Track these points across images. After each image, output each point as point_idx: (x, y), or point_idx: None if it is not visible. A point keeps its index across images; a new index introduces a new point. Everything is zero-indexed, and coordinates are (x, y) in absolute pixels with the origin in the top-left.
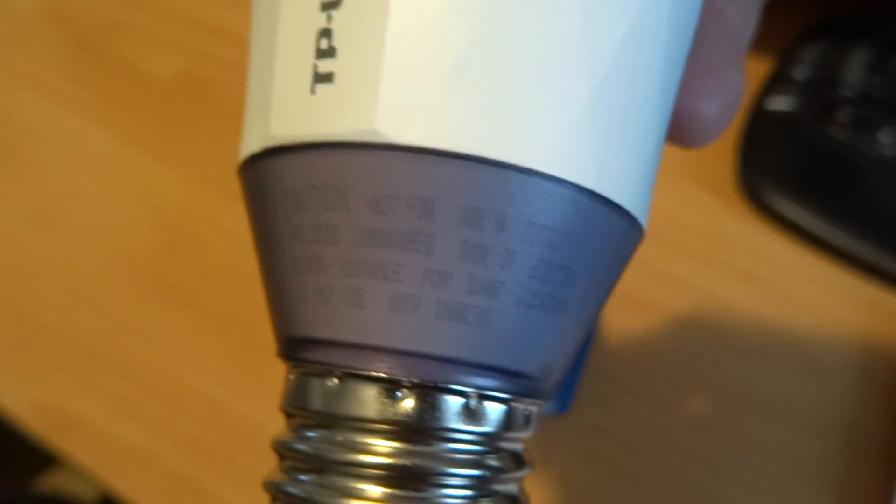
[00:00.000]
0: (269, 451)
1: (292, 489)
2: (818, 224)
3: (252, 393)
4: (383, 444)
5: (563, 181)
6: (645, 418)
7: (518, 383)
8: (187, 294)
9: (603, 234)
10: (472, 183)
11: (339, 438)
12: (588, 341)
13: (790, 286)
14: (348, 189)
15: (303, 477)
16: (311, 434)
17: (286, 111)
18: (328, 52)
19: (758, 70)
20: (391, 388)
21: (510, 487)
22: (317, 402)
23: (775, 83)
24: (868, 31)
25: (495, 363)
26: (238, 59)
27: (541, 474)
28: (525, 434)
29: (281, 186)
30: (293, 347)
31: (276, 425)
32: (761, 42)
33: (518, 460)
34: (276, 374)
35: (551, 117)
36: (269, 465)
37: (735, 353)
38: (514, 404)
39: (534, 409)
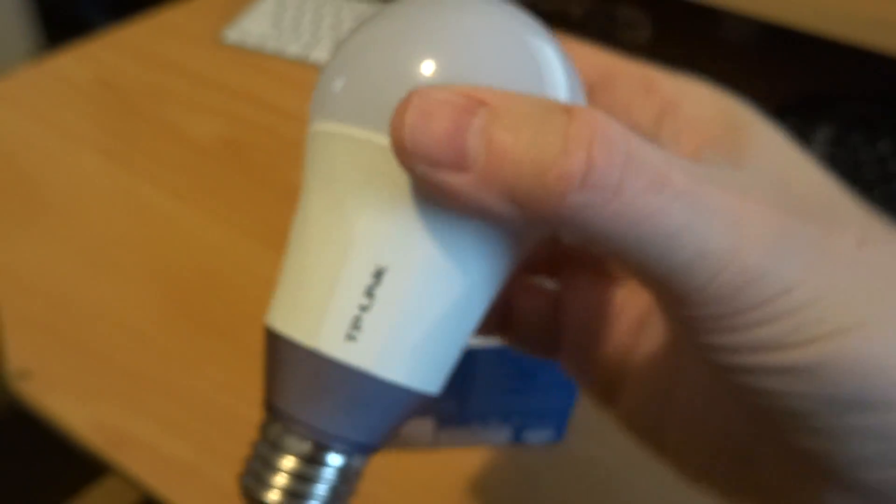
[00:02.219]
0: None
1: (251, 463)
2: None
3: None
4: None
5: (408, 388)
6: (631, 447)
7: (367, 447)
8: (225, 329)
9: (418, 400)
10: (374, 385)
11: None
12: None
13: None
14: (328, 377)
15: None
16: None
17: (328, 339)
18: (357, 326)
19: None
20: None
21: (350, 488)
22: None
23: None
24: (830, 109)
25: (357, 440)
26: (271, 123)
27: (536, 499)
28: (362, 463)
29: (295, 357)
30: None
31: None
32: None
33: (348, 473)
34: None
35: (409, 364)
36: None
37: None
38: (358, 455)
39: (366, 456)
